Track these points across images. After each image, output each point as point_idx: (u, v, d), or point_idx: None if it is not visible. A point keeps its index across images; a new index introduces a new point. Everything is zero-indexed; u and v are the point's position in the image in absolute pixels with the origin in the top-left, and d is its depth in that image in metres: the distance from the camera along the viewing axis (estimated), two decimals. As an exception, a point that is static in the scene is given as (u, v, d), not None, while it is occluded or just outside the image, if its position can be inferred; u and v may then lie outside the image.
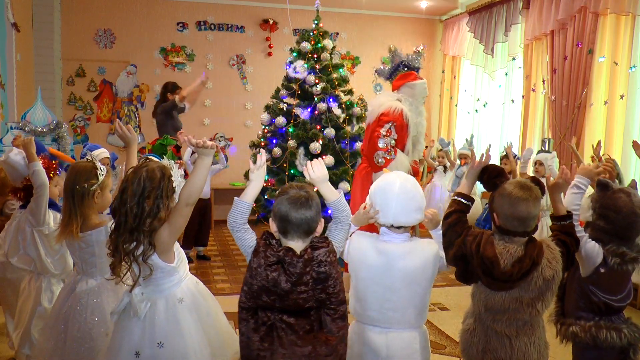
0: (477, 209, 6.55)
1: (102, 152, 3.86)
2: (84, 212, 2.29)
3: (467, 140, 6.64)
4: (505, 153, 5.94)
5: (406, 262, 2.02)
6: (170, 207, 1.95)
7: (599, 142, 3.81)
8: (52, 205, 2.81)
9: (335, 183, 5.12)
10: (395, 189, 2.02)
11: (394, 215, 2.02)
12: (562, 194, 2.22)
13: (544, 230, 4.86)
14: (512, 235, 1.97)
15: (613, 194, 2.11)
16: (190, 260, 5.71)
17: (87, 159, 2.44)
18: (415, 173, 4.20)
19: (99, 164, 2.35)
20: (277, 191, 1.84)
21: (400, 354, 2.02)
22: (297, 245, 1.79)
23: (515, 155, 5.93)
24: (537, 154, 5.31)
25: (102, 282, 2.37)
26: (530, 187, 1.97)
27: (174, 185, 1.97)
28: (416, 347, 2.05)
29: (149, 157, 2.02)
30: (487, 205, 6.07)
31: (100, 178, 2.32)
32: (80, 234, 2.28)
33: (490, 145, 6.27)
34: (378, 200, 2.05)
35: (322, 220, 1.84)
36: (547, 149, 5.32)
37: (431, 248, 2.10)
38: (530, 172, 5.25)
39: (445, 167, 6.93)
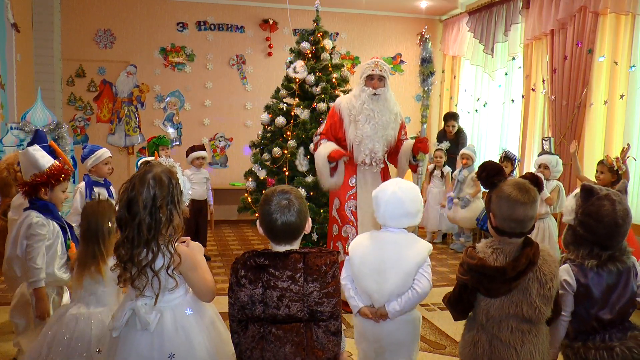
0: (478, 208, 6.55)
1: (105, 152, 3.93)
2: (109, 250, 2.24)
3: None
4: (504, 153, 5.88)
5: (396, 248, 2.21)
6: (181, 212, 1.87)
7: (628, 145, 3.92)
8: (50, 212, 2.67)
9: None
10: (385, 196, 2.23)
11: (383, 218, 2.26)
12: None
13: (545, 235, 4.80)
14: (508, 235, 1.96)
15: (597, 200, 2.00)
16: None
17: (94, 197, 2.42)
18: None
19: (114, 202, 2.33)
20: (262, 197, 1.84)
21: (392, 339, 2.22)
22: (284, 249, 1.82)
23: (515, 157, 5.86)
24: (539, 155, 5.21)
25: (93, 311, 2.36)
26: (528, 189, 1.94)
27: (181, 189, 1.88)
28: (406, 331, 2.24)
29: (147, 160, 1.93)
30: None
31: None
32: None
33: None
34: (375, 203, 2.29)
35: (310, 220, 1.89)
36: (549, 149, 5.15)
37: (424, 245, 2.26)
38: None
39: (442, 172, 6.72)
